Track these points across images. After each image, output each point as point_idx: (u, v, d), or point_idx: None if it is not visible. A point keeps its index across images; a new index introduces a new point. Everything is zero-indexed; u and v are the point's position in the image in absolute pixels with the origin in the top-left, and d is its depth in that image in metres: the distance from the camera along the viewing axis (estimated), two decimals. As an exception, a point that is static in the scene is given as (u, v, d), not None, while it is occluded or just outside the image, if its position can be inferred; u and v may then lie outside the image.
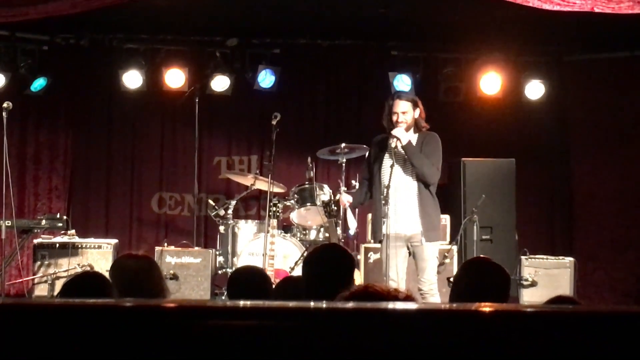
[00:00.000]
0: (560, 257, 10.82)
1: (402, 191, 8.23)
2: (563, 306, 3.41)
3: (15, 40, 11.42)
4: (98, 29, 11.83)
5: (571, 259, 10.77)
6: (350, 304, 2.35)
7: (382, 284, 6.28)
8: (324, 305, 2.12)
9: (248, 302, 2.08)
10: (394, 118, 8.30)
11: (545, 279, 10.58)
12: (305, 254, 5.71)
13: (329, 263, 5.37)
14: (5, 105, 9.32)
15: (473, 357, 1.98)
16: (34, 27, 11.02)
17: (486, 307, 2.11)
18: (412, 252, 8.27)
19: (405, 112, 8.29)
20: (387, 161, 8.28)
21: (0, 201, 9.64)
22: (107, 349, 1.96)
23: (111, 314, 2.03)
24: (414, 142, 8.30)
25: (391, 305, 2.34)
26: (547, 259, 10.73)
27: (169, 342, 1.96)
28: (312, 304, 2.07)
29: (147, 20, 11.27)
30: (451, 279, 5.40)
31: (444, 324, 2.03)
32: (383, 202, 8.13)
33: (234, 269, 9.89)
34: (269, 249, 9.48)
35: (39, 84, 11.56)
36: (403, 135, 8.20)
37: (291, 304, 2.05)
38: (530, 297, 10.51)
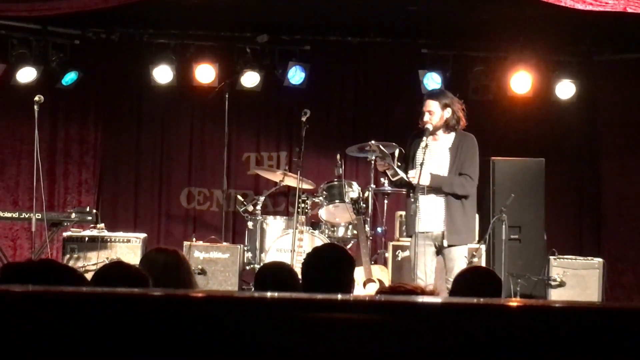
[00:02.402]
0: (589, 258, 10.75)
1: (431, 191, 8.19)
2: (591, 302, 3.41)
3: (47, 34, 11.48)
4: (129, 23, 11.90)
5: (600, 259, 10.70)
6: (376, 297, 2.36)
7: (412, 283, 6.29)
8: (351, 298, 2.13)
9: (275, 294, 2.09)
10: (423, 117, 8.29)
11: (574, 279, 10.51)
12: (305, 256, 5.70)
13: (327, 263, 5.41)
14: (36, 98, 9.36)
15: (496, 351, 1.99)
16: (65, 21, 11.10)
17: (514, 302, 2.12)
18: (440, 252, 8.24)
19: (432, 112, 8.24)
20: (418, 158, 8.18)
21: (30, 194, 9.71)
22: (135, 337, 1.98)
23: (140, 303, 2.05)
24: (449, 143, 8.27)
25: (419, 299, 2.34)
26: (576, 259, 10.66)
27: (195, 331, 1.98)
28: (339, 296, 2.07)
29: (178, 16, 11.32)
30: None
31: (472, 318, 2.04)
32: (412, 200, 8.12)
33: (261, 264, 9.92)
34: (297, 245, 9.50)
35: (69, 78, 11.61)
36: (425, 176, 8.06)
37: (319, 295, 2.05)
38: (558, 298, 10.45)
